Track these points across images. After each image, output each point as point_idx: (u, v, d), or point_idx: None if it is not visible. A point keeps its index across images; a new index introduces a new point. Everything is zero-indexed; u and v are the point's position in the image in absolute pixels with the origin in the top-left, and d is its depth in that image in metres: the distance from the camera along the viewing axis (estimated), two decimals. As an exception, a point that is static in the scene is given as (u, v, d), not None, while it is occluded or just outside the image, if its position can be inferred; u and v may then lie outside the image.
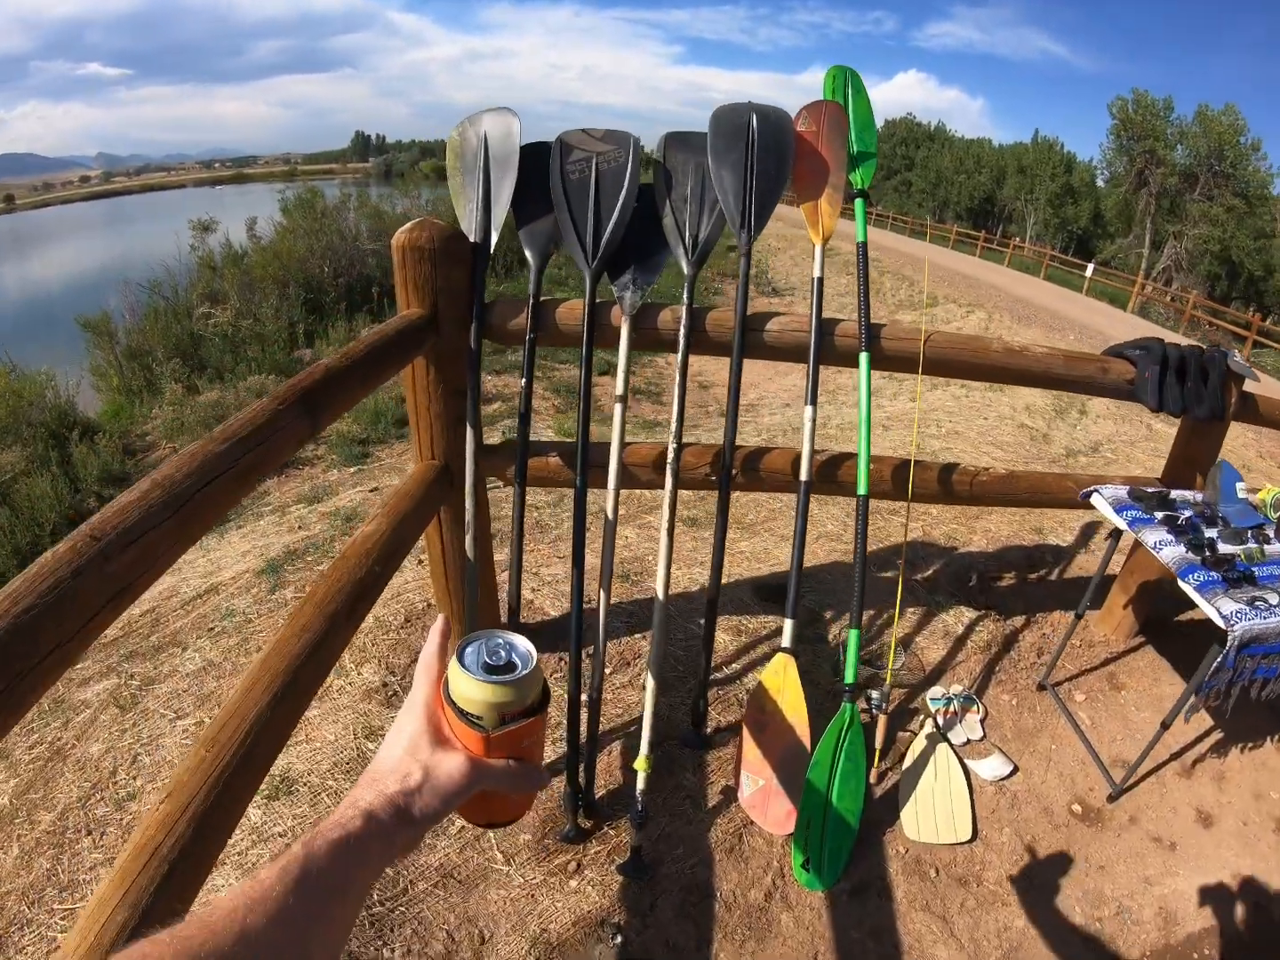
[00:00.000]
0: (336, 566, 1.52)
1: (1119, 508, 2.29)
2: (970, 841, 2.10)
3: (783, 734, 1.87)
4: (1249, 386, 2.51)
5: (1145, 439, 6.24)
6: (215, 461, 1.08)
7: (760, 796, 1.92)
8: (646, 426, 5.98)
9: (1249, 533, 2.24)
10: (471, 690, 0.54)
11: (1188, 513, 2.30)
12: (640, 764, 1.76)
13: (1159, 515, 2.25)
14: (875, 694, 2.20)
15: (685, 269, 1.88)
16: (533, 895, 1.78)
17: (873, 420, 5.54)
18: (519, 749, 0.57)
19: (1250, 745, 2.58)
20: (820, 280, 1.94)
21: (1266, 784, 2.44)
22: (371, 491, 4.29)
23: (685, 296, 1.85)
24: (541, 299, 1.91)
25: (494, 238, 1.89)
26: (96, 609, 0.85)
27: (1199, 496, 2.45)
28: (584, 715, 1.90)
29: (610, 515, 1.81)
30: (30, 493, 5.54)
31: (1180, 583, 2.02)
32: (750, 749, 1.92)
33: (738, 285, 1.89)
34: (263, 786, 1.96)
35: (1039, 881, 2.05)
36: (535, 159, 1.93)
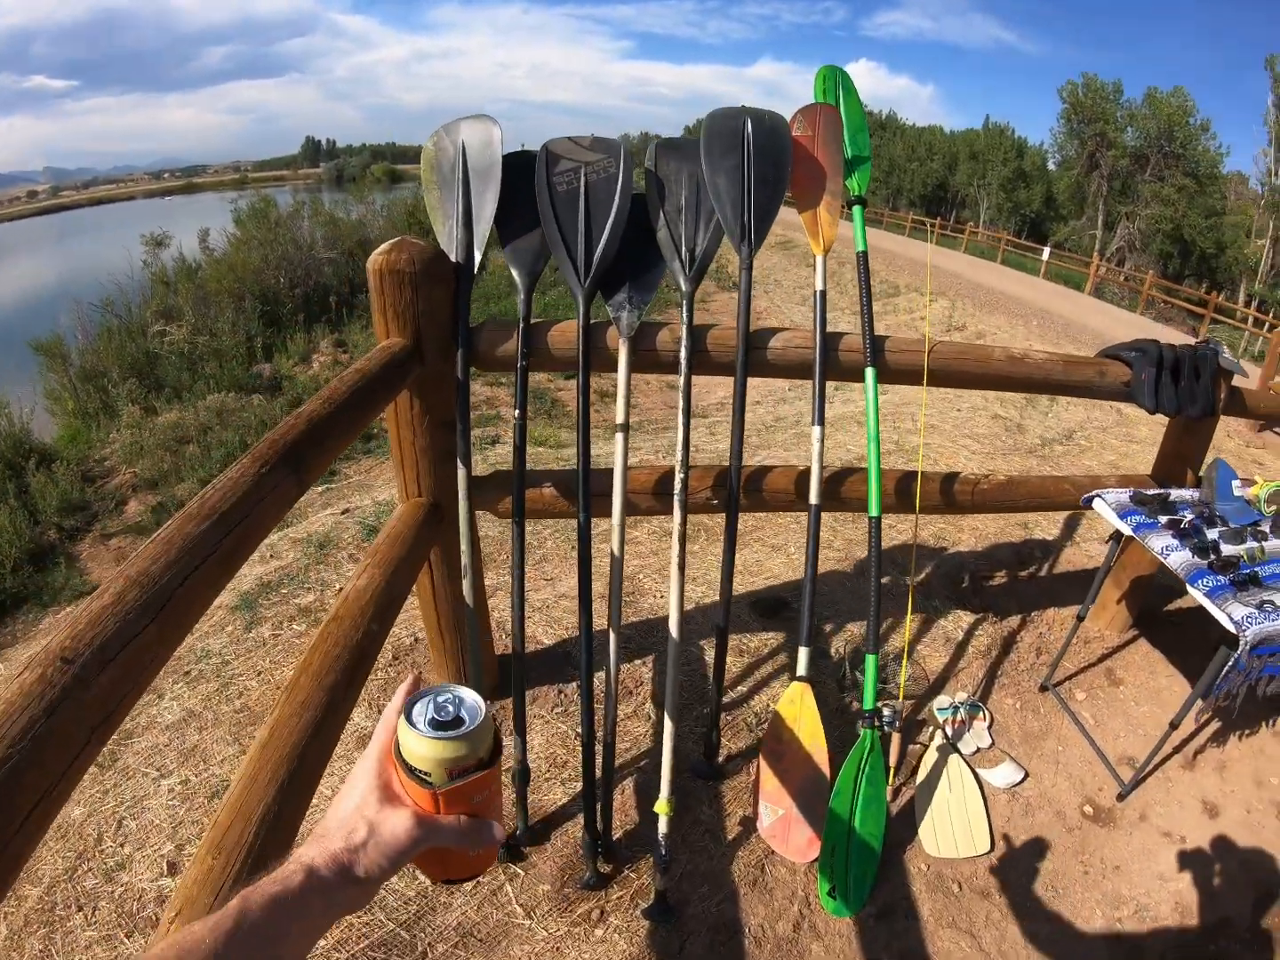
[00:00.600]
0: (330, 630, 1.39)
1: (1123, 513, 2.29)
2: (989, 852, 2.09)
3: (801, 763, 1.82)
4: (1236, 381, 2.52)
5: (1116, 424, 6.30)
6: (196, 547, 0.92)
7: (781, 826, 1.87)
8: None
9: (1248, 531, 2.25)
10: (418, 746, 0.54)
11: (1189, 515, 2.30)
12: (662, 807, 1.68)
13: (1163, 519, 2.25)
14: (887, 711, 2.15)
15: (683, 285, 1.78)
16: (558, 949, 1.70)
17: (847, 415, 5.44)
18: (471, 804, 0.56)
19: (1248, 732, 2.60)
20: (823, 293, 1.86)
21: (1266, 770, 2.47)
22: (343, 514, 4.16)
23: (684, 315, 1.75)
24: (532, 321, 1.80)
25: (478, 256, 1.77)
26: (80, 746, 0.72)
27: (1196, 495, 2.46)
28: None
29: (616, 552, 1.71)
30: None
31: (1190, 588, 2.04)
32: (768, 778, 1.86)
33: (739, 300, 1.80)
34: None
35: (1058, 887, 2.04)
36: (519, 170, 1.81)
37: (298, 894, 0.48)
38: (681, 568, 1.70)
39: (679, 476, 1.73)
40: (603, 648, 2.49)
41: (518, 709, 1.84)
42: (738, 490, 1.82)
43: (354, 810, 0.54)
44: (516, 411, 1.76)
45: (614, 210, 1.78)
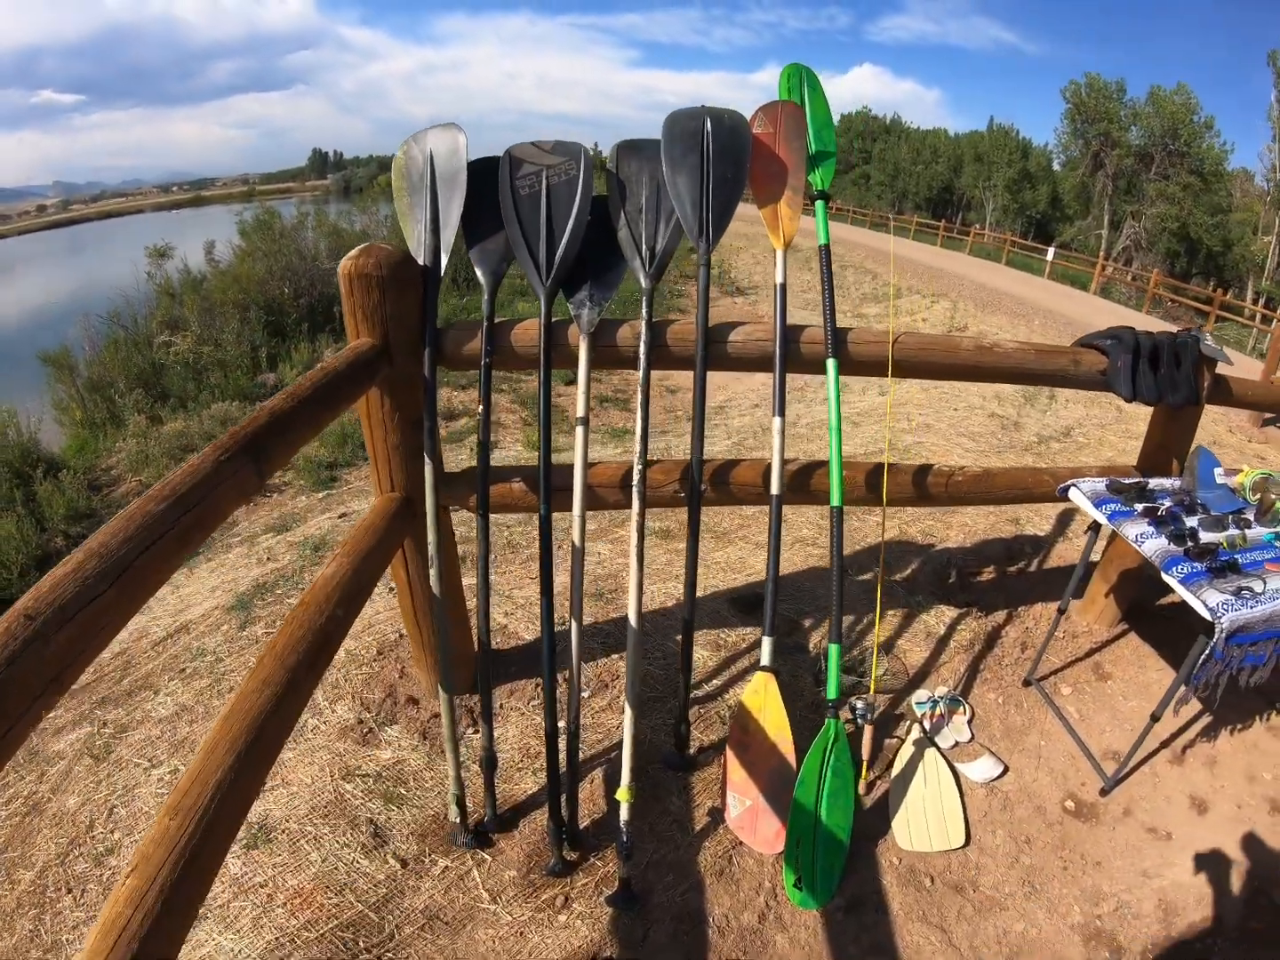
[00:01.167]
0: (296, 614, 1.44)
1: (1098, 501, 2.26)
2: (964, 847, 2.07)
3: (767, 753, 1.83)
4: (1220, 368, 2.50)
5: (1116, 421, 6.29)
6: (154, 524, 1.01)
7: (748, 817, 1.88)
8: (616, 435, 5.92)
9: (1230, 518, 2.22)
10: None
11: (1167, 502, 2.27)
12: (623, 794, 1.71)
13: (1139, 507, 2.22)
14: (860, 704, 2.16)
15: (643, 282, 1.82)
16: (522, 933, 1.73)
17: (842, 417, 5.50)
18: None
19: (1240, 727, 2.57)
20: (783, 286, 1.89)
21: (1259, 765, 2.43)
22: (340, 518, 4.21)
23: (644, 311, 1.79)
24: (496, 320, 1.84)
25: (444, 259, 1.81)
26: (36, 694, 0.80)
27: (1177, 484, 2.43)
28: (563, 745, 1.84)
29: (578, 542, 1.74)
30: (-8, 538, 5.41)
31: (1164, 576, 2.00)
32: (735, 769, 1.88)
33: (698, 296, 1.83)
34: (240, 835, 1.90)
35: (1035, 883, 2.01)
36: (485, 175, 1.86)
37: None
38: (640, 557, 1.73)
39: (637, 468, 1.76)
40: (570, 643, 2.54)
41: (484, 698, 1.87)
42: (699, 483, 1.85)
43: None
44: (480, 407, 1.80)
45: (574, 211, 1.82)
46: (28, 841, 2.09)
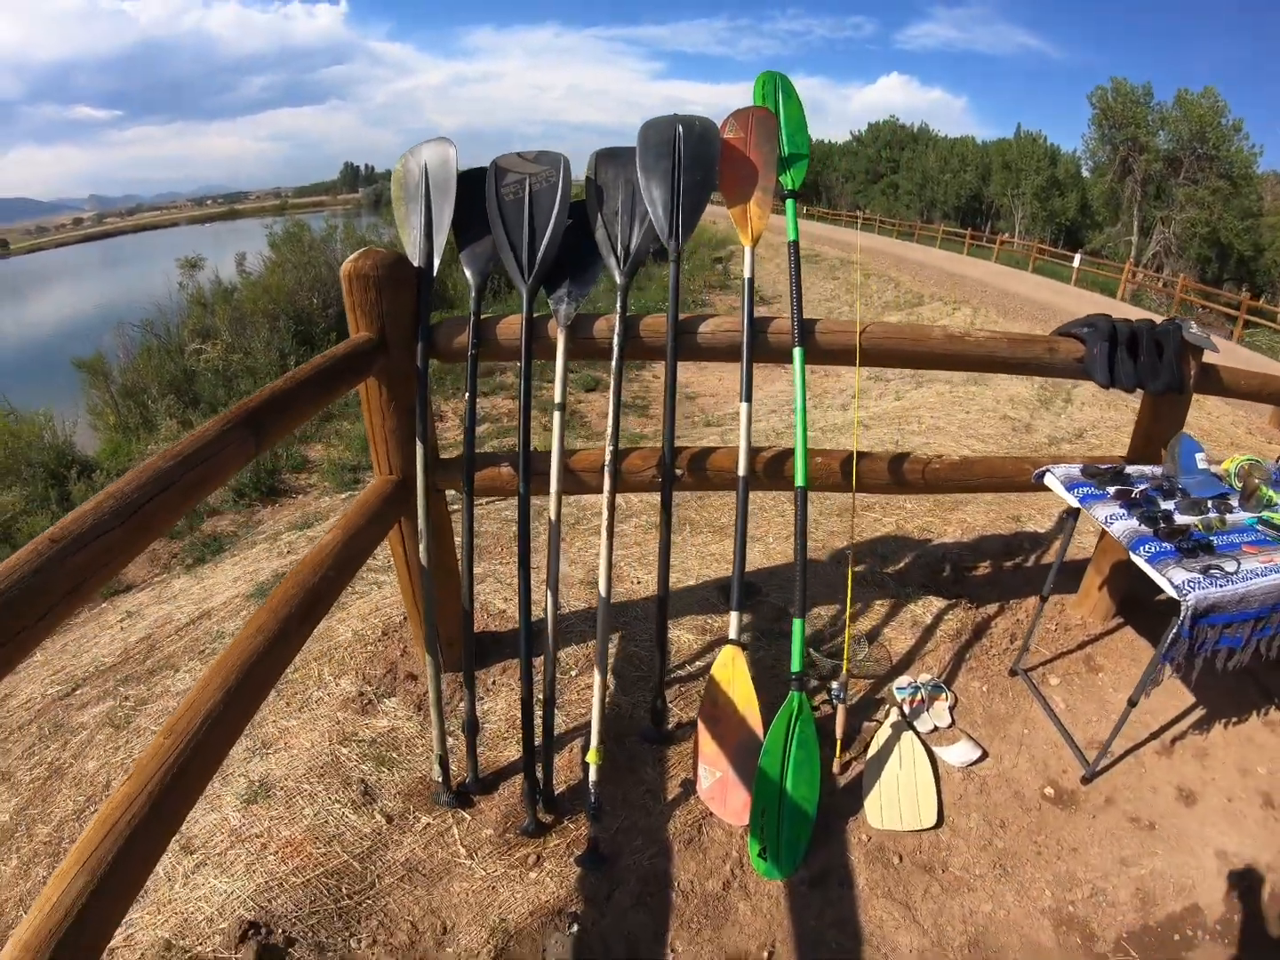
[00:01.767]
0: (293, 574, 1.61)
1: (1070, 485, 2.28)
2: (936, 828, 2.10)
3: (736, 726, 1.92)
4: (1209, 357, 2.50)
5: (1131, 422, 6.25)
6: (162, 477, 1.20)
7: (719, 788, 1.97)
8: (634, 440, 6.05)
9: (1209, 503, 2.22)
10: None
11: (1143, 486, 2.27)
12: (592, 756, 1.82)
13: (1111, 490, 2.23)
14: (835, 684, 2.22)
15: (618, 279, 1.95)
16: (493, 887, 1.83)
17: (859, 420, 5.57)
18: None
19: (1235, 721, 2.55)
20: (750, 280, 2.00)
21: (1253, 759, 2.40)
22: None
23: (619, 305, 1.92)
24: (483, 316, 1.99)
25: (437, 261, 1.97)
26: (54, 602, 0.98)
27: (1159, 471, 2.43)
28: (541, 714, 1.95)
29: (553, 518, 1.88)
30: (31, 531, 5.68)
31: (1132, 555, 2.00)
32: (706, 742, 1.97)
33: (669, 288, 1.96)
34: (242, 789, 2.06)
35: (1007, 866, 2.03)
36: (474, 184, 2.02)
37: None
38: (610, 532, 1.87)
39: (609, 450, 1.89)
40: (573, 625, 2.65)
41: (466, 663, 2.00)
42: (671, 466, 1.96)
43: None
44: (467, 394, 1.93)
45: (554, 215, 1.96)
46: (48, 800, 2.25)
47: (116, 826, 1.04)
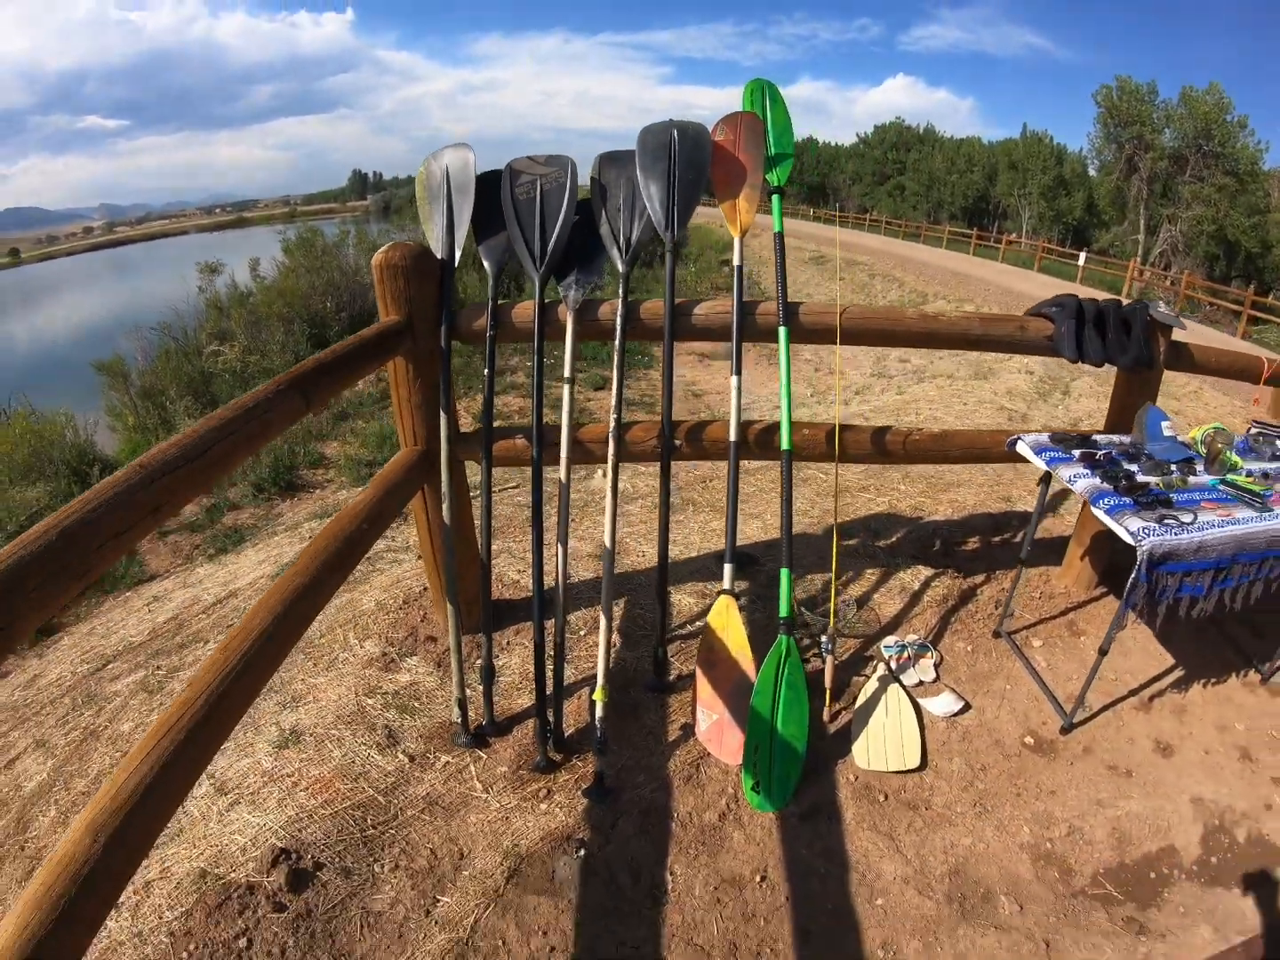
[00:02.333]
0: (329, 527, 1.83)
1: (1039, 450, 2.43)
2: (920, 770, 2.23)
3: (730, 670, 2.11)
4: (1178, 335, 2.61)
5: (1125, 414, 6.39)
6: (229, 424, 1.43)
7: (715, 730, 2.15)
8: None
9: (1173, 466, 2.33)
10: None
11: (1108, 450, 2.40)
12: (598, 694, 2.02)
13: (1077, 453, 2.37)
14: (824, 639, 2.39)
15: (620, 267, 2.18)
16: (507, 818, 2.02)
17: (859, 411, 5.77)
18: None
19: (1213, 682, 2.64)
20: (740, 268, 2.22)
21: (1232, 717, 2.49)
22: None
23: (621, 291, 2.14)
24: (500, 302, 2.20)
25: (458, 254, 2.20)
26: (143, 515, 1.21)
27: (1127, 439, 2.55)
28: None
29: (563, 479, 2.10)
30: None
31: (1093, 509, 2.13)
32: (703, 686, 2.15)
33: (666, 277, 2.17)
34: (274, 737, 2.26)
35: (987, 805, 2.15)
36: (491, 184, 2.25)
37: None
38: (614, 490, 2.08)
39: (613, 419, 2.11)
40: (582, 592, 2.84)
41: (485, 610, 2.22)
42: (670, 437, 2.16)
43: None
44: (486, 370, 2.15)
45: (563, 212, 2.19)
46: (85, 759, 2.44)
47: (176, 727, 1.23)
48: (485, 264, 2.23)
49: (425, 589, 2.89)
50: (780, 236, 2.33)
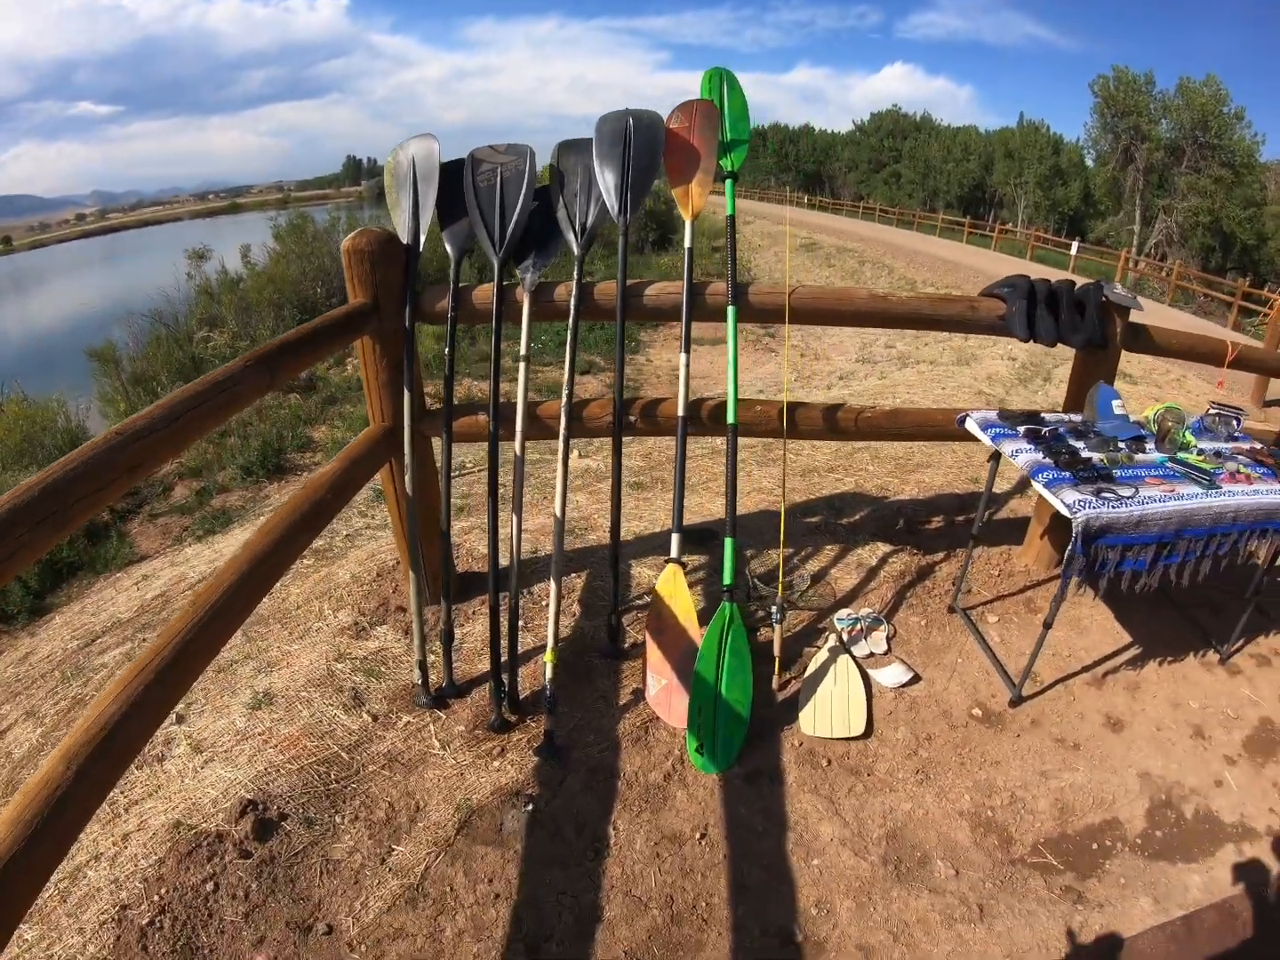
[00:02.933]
0: (300, 491, 1.96)
1: (985, 426, 2.47)
2: (865, 737, 2.29)
3: (678, 637, 2.21)
4: (1135, 316, 2.65)
5: (1103, 400, 6.47)
6: (198, 396, 1.56)
7: (664, 694, 2.25)
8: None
9: (1121, 443, 2.35)
10: None
11: (1057, 428, 2.42)
12: (548, 657, 2.12)
13: (1021, 429, 2.40)
14: (774, 609, 2.47)
15: (575, 251, 2.28)
16: (462, 774, 2.13)
17: (840, 396, 5.87)
18: None
19: (1170, 660, 2.68)
20: (690, 250, 2.31)
21: (1187, 694, 2.53)
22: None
23: (575, 273, 2.23)
24: (461, 285, 2.30)
25: (423, 239, 2.30)
26: (118, 475, 1.33)
27: (1078, 418, 2.57)
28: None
29: (518, 452, 2.21)
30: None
31: (1033, 482, 2.16)
32: (653, 652, 2.25)
33: (619, 258, 2.26)
34: (248, 699, 2.37)
35: (930, 773, 2.20)
36: (454, 172, 2.35)
37: None
38: (565, 463, 2.19)
39: (565, 394, 2.22)
40: (544, 566, 2.93)
41: (446, 581, 2.32)
42: (622, 413, 2.27)
43: None
44: (446, 348, 2.25)
45: (521, 198, 2.29)
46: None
47: (146, 669, 1.36)
48: (448, 248, 2.33)
49: (398, 562, 2.99)
50: (732, 219, 2.42)
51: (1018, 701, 2.46)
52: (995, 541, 3.32)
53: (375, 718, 2.29)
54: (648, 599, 2.77)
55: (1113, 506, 2.00)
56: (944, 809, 2.11)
